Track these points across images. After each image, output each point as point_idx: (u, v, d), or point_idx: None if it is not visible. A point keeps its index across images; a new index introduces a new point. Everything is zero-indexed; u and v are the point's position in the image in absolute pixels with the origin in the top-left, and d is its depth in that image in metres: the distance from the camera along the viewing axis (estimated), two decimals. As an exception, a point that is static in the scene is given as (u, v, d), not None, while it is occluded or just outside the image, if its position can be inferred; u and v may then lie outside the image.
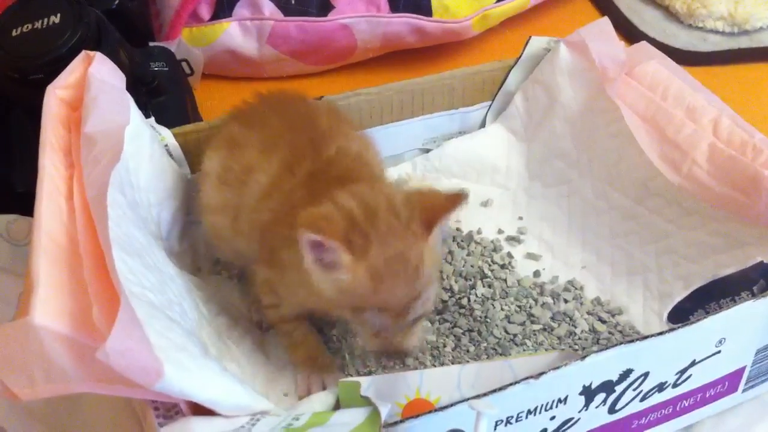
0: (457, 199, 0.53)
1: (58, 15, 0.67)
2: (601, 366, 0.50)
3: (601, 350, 0.49)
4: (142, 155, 0.61)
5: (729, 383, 0.58)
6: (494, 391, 0.46)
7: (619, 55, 0.72)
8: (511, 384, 0.46)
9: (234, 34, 0.91)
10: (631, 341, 0.49)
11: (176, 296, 0.50)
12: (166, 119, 0.71)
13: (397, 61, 0.96)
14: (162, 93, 0.76)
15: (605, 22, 0.75)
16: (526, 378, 0.47)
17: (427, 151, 0.81)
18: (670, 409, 0.57)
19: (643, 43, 0.76)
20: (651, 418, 0.56)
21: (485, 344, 0.63)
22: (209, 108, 0.86)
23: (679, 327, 0.50)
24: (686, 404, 0.57)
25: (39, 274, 0.43)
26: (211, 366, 0.42)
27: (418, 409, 0.50)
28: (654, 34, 1.03)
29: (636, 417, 0.55)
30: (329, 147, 0.59)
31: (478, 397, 0.46)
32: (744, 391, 0.60)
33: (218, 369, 0.43)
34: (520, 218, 0.76)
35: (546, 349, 0.59)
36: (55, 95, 0.57)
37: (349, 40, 0.92)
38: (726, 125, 0.64)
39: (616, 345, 0.49)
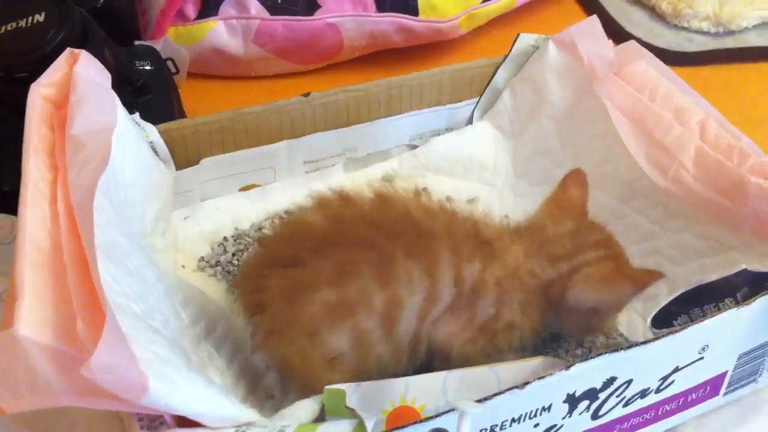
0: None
1: (43, 13, 0.67)
2: (586, 375, 0.50)
3: (586, 360, 0.49)
4: (128, 153, 0.60)
5: (711, 387, 0.59)
6: (480, 400, 0.46)
7: (608, 54, 0.72)
8: (496, 394, 0.47)
9: (220, 32, 0.91)
10: (616, 350, 0.50)
11: (158, 303, 0.50)
12: (151, 118, 0.70)
13: (384, 60, 0.96)
14: (147, 92, 0.76)
15: (594, 21, 0.75)
16: (511, 388, 0.47)
17: (414, 147, 0.81)
18: (652, 414, 0.57)
19: (632, 43, 0.75)
20: (633, 423, 0.57)
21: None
22: (195, 107, 0.85)
23: (662, 336, 0.51)
24: (668, 408, 0.58)
25: (23, 284, 0.43)
26: (196, 379, 0.42)
27: (403, 415, 0.50)
28: (640, 35, 1.03)
29: (618, 422, 0.56)
30: None
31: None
32: (725, 394, 0.60)
33: (203, 382, 0.42)
34: (506, 216, 0.77)
35: (530, 354, 0.60)
36: (39, 93, 0.56)
37: (336, 39, 0.92)
38: (713, 128, 0.65)
39: (600, 354, 0.49)
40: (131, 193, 0.60)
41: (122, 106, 0.61)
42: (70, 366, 0.40)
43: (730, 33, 1.03)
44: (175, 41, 0.90)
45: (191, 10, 0.90)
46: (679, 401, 0.58)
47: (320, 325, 0.53)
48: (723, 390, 0.60)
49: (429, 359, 0.57)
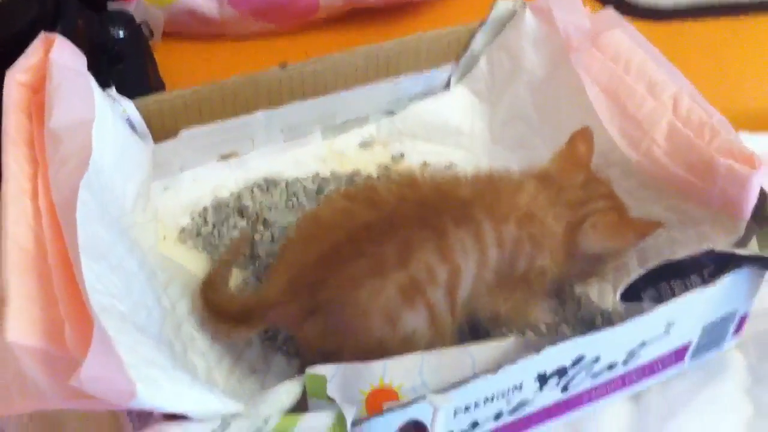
0: None
1: (14, -11, 0.66)
2: (556, 356, 0.52)
3: (556, 342, 0.51)
4: (107, 136, 0.60)
5: (676, 356, 0.61)
6: (454, 386, 0.49)
7: (585, 24, 0.72)
8: (470, 379, 0.49)
9: (195, -7, 0.89)
10: (584, 334, 0.52)
11: (140, 295, 0.51)
12: (127, 86, 0.70)
13: (362, 20, 0.96)
14: (122, 59, 0.76)
15: (570, -11, 0.75)
16: (484, 373, 0.49)
17: (392, 113, 0.81)
18: (620, 383, 0.60)
19: (609, 10, 0.75)
20: (601, 392, 0.60)
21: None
22: (170, 69, 0.85)
23: (629, 320, 0.53)
24: (635, 377, 0.61)
25: (9, 287, 0.44)
26: (181, 378, 0.44)
27: (382, 395, 0.53)
28: (620, -14, 1.03)
29: (587, 392, 0.58)
30: None
31: (439, 392, 0.48)
32: (691, 360, 0.63)
33: (188, 380, 0.44)
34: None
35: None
36: (15, 80, 0.57)
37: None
38: (686, 103, 0.65)
39: (570, 337, 0.51)
40: (111, 176, 0.61)
41: (98, 87, 0.61)
42: (59, 369, 0.42)
43: (708, -14, 1.03)
44: (148, 2, 0.89)
45: (165, -29, 0.89)
46: (645, 370, 0.61)
47: (399, 308, 0.55)
48: (688, 357, 0.63)
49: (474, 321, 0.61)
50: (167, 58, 0.88)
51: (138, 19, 0.84)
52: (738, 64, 0.95)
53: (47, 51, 0.57)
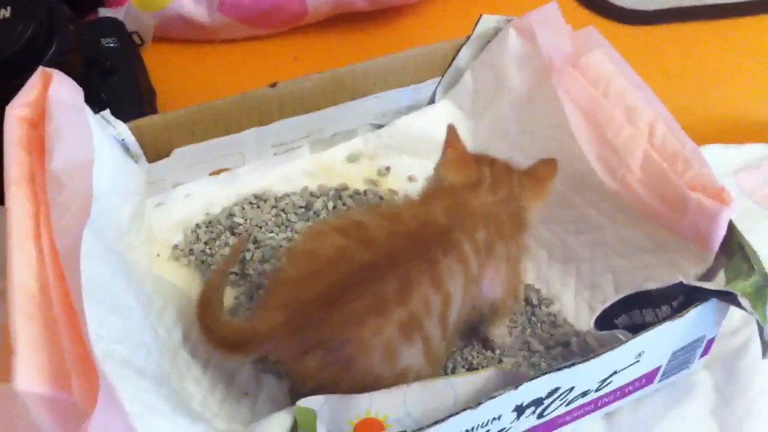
0: None
1: (9, 8, 0.67)
2: (533, 389, 0.55)
3: (534, 378, 0.54)
4: (103, 163, 0.62)
5: (646, 379, 0.65)
6: (436, 422, 0.52)
7: (566, 46, 0.74)
8: (451, 415, 0.52)
9: (184, 1, 0.91)
10: (560, 369, 0.55)
11: (139, 334, 0.53)
12: (119, 99, 0.72)
13: (348, 24, 0.97)
14: (114, 72, 0.77)
15: (553, 8, 0.77)
16: (465, 409, 0.52)
17: (379, 126, 0.83)
18: (592, 406, 0.63)
19: (590, 29, 0.77)
20: (575, 415, 0.63)
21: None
22: (160, 72, 0.86)
23: (603, 352, 0.56)
24: (606, 400, 0.64)
25: (17, 335, 0.46)
26: (182, 422, 0.47)
27: (369, 425, 0.56)
28: (604, -10, 1.04)
29: (561, 417, 0.62)
30: None
31: (423, 428, 0.51)
32: (660, 381, 0.67)
33: (188, 423, 0.47)
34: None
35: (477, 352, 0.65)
36: (14, 115, 0.58)
37: (300, 5, 0.93)
38: (661, 131, 0.68)
39: (545, 373, 0.55)
40: (107, 200, 0.63)
41: (94, 118, 0.62)
42: (67, 416, 0.44)
43: (689, -11, 1.04)
44: (138, 7, 0.90)
45: (155, -24, 0.90)
46: (617, 393, 0.64)
47: (399, 345, 0.57)
48: (657, 378, 0.66)
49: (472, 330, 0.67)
50: (156, 57, 0.89)
51: (129, 27, 0.85)
52: (720, 66, 0.98)
53: (46, 86, 0.59)
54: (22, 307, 0.48)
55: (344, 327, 0.56)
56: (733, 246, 0.63)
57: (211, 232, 0.74)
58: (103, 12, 0.87)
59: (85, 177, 0.54)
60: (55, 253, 0.50)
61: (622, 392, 0.64)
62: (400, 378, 0.57)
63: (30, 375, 0.45)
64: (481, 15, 0.80)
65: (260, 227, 0.74)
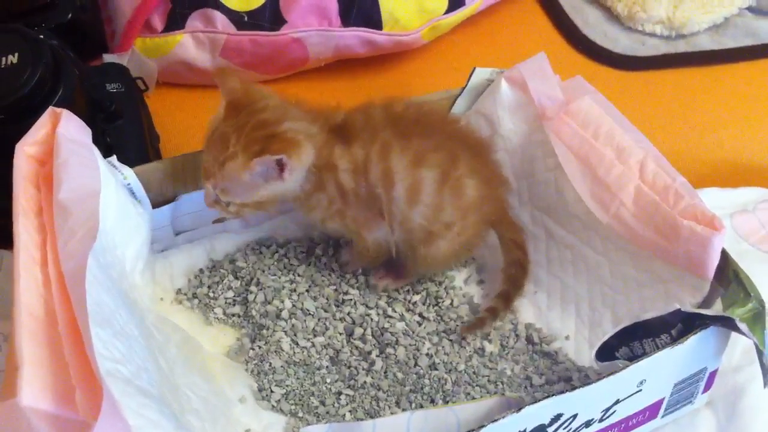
0: None
1: (16, 54, 0.69)
2: (535, 414, 0.55)
3: (535, 402, 0.54)
4: (109, 203, 0.64)
5: (650, 412, 0.65)
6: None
7: (557, 94, 0.77)
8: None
9: (187, 46, 0.93)
10: (563, 392, 0.55)
11: (141, 360, 0.54)
12: (124, 143, 0.73)
13: (350, 69, 1.00)
14: (119, 116, 0.78)
15: (542, 58, 0.80)
16: (469, 432, 0.52)
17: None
18: (597, 438, 0.63)
19: (578, 78, 0.80)
20: (580, 447, 0.63)
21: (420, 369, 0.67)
22: (163, 114, 0.88)
23: (604, 377, 0.56)
24: (611, 432, 0.64)
25: (23, 353, 0.47)
26: (183, 440, 0.47)
27: (371, 453, 0.56)
28: (595, 37, 1.07)
29: (566, 448, 0.61)
30: None
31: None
32: (663, 416, 0.66)
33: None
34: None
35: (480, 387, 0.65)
36: (24, 152, 0.60)
37: (302, 53, 0.95)
38: (651, 168, 0.69)
39: (548, 396, 0.55)
40: (112, 239, 0.64)
41: (101, 157, 0.64)
42: (70, 430, 0.44)
43: (682, 36, 1.06)
44: (142, 53, 0.92)
45: (158, 22, 0.92)
46: (620, 426, 0.64)
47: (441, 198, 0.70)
48: (661, 413, 0.66)
49: None
50: (159, 101, 0.91)
51: (133, 72, 0.87)
52: (714, 112, 0.99)
53: (54, 125, 0.61)
54: (27, 328, 0.48)
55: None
56: (729, 274, 0.63)
57: (215, 276, 0.75)
58: (108, 58, 0.89)
59: (92, 204, 0.55)
60: (61, 278, 0.51)
61: (627, 425, 0.64)
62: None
63: (34, 391, 0.45)
64: (474, 68, 0.83)
65: (263, 271, 0.75)
